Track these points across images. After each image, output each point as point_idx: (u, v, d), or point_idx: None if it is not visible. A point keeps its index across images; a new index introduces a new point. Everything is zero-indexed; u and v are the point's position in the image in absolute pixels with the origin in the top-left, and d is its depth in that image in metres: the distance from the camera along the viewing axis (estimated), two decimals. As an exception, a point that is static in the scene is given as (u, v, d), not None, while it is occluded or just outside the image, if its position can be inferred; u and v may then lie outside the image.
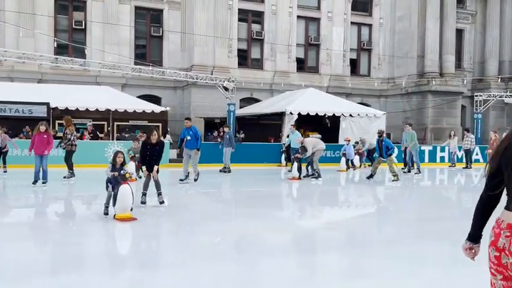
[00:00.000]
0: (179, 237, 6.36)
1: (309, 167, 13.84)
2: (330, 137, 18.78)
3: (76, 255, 5.27)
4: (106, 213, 7.09)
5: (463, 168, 18.27)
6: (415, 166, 16.01)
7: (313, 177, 13.41)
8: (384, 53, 29.51)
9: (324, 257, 5.54)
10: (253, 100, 25.89)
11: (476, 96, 26.98)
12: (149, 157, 7.97)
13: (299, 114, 18.54)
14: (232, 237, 6.43)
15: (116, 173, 6.98)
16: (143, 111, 18.88)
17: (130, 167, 10.95)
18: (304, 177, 13.45)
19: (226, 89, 20.16)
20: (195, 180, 11.63)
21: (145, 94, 23.84)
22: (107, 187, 7.12)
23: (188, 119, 12.55)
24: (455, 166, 18.77)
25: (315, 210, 9.24)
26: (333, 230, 7.14)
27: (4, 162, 13.31)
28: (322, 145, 13.82)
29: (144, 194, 8.14)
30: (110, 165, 7.14)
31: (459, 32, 29.94)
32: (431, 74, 27.18)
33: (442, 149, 20.49)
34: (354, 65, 29.34)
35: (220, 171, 14.61)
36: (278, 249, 5.82)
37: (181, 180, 11.64)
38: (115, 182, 6.99)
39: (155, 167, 7.97)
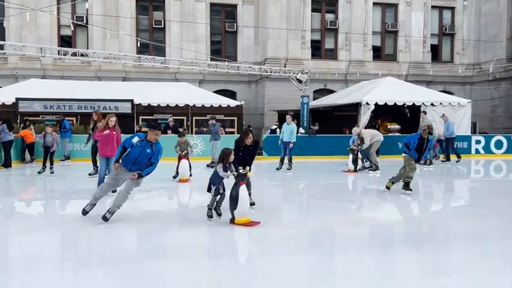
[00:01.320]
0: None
1: (365, 160, 13.19)
2: (410, 127, 17.97)
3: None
4: (211, 216, 6.51)
5: None
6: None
7: (371, 170, 12.85)
8: (468, 37, 27.62)
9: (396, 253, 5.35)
10: (327, 91, 25.51)
11: None
12: (243, 158, 7.18)
13: (376, 104, 17.92)
14: (308, 230, 6.44)
15: (235, 173, 6.36)
16: (220, 105, 19.37)
17: (183, 166, 10.66)
18: (359, 170, 12.84)
19: (299, 81, 20.05)
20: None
21: (220, 89, 24.47)
22: (209, 189, 6.53)
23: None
24: None
25: (380, 203, 8.87)
26: (401, 224, 6.86)
27: (51, 163, 12.17)
28: (380, 137, 13.28)
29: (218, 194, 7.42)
30: (221, 165, 6.47)
31: (556, 10, 27.14)
32: (523, 58, 24.98)
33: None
34: (435, 51, 27.79)
35: (208, 166, 13.59)
36: (353, 243, 5.71)
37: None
38: (218, 182, 6.49)
39: (248, 168, 7.06)
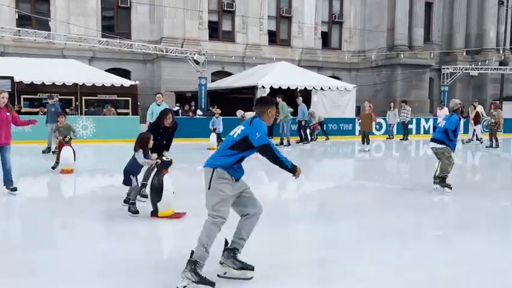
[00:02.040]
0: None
1: None
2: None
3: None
4: (136, 212, 5.77)
5: (400, 140, 18.42)
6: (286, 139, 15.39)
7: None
8: (355, 26, 29.60)
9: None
10: (225, 74, 25.69)
11: (443, 69, 27.59)
12: (161, 142, 6.52)
13: (271, 87, 18.53)
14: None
15: (159, 161, 5.67)
16: (112, 85, 18.47)
17: (65, 154, 9.10)
18: None
19: (196, 62, 19.90)
20: None
21: (113, 67, 23.28)
22: (129, 180, 5.81)
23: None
24: (392, 138, 18.74)
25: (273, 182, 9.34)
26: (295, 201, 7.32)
27: None
28: None
29: (144, 186, 6.52)
30: (141, 152, 5.78)
31: (428, 5, 30.24)
32: (401, 47, 27.52)
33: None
34: (325, 38, 29.35)
35: (43, 152, 12.47)
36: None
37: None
38: (138, 172, 5.92)
39: (167, 154, 6.52)
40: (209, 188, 3.62)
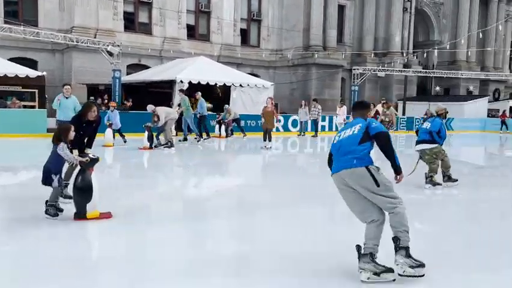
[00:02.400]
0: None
1: (160, 137, 13.31)
2: (221, 106, 18.93)
3: None
4: (56, 215, 5.23)
5: (312, 136, 19.56)
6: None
7: (166, 147, 13.12)
8: (273, 25, 30.21)
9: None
10: (142, 67, 24.87)
11: (354, 69, 29.17)
12: (83, 137, 6.02)
13: (190, 82, 18.31)
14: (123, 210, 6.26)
15: (88, 158, 5.17)
16: (16, 75, 17.08)
17: None
18: (155, 147, 12.93)
19: (110, 53, 19.03)
20: None
21: (18, 57, 21.49)
22: (49, 179, 5.19)
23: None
24: (304, 135, 19.96)
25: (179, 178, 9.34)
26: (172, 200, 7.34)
27: None
28: (175, 115, 13.87)
29: (67, 185, 6.08)
30: (64, 145, 5.17)
31: (341, 8, 31.76)
32: (315, 48, 28.63)
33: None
34: (244, 35, 29.62)
35: None
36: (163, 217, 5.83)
37: None
38: (60, 170, 5.33)
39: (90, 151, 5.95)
40: (378, 186, 3.60)
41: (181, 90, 16.06)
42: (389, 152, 3.71)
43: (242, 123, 18.18)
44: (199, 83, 18.66)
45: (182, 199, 7.27)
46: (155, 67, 23.62)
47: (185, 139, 15.60)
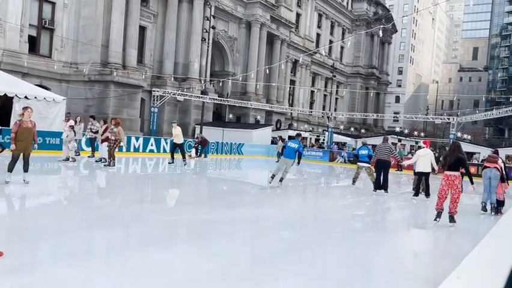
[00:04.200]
0: None
1: None
2: (1, 120, 16.47)
3: None
4: None
5: (88, 157, 17.08)
6: None
7: None
8: (68, 36, 28.11)
9: None
10: None
11: (154, 91, 29.31)
12: None
13: (-42, 90, 15.42)
14: None
15: None
16: None
17: None
18: None
19: None
20: None
21: None
22: None
23: None
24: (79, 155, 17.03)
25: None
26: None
27: None
28: None
29: None
30: None
31: (142, 29, 31.70)
32: (115, 65, 27.74)
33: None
34: (33, 43, 26.70)
35: None
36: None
37: None
38: None
39: None
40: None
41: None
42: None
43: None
44: (-29, 91, 15.90)
45: None
46: None
47: None
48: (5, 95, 17.17)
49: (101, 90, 27.55)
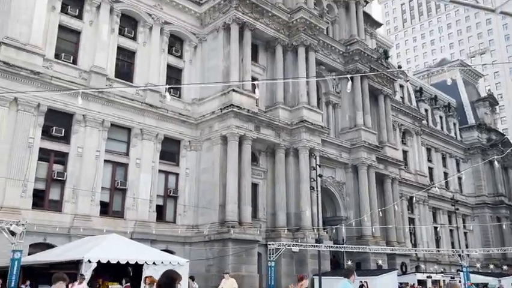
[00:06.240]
0: None
1: None
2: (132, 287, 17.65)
3: None
4: None
5: None
6: None
7: None
8: (189, 201, 30.77)
9: None
10: (47, 246, 23.19)
11: (269, 244, 29.58)
12: None
13: (99, 262, 17.20)
14: None
15: None
16: None
17: None
18: None
19: (12, 233, 17.72)
20: None
21: None
22: None
23: None
24: None
25: None
26: None
27: None
28: None
29: None
30: None
31: (254, 186, 33.62)
32: (231, 223, 29.09)
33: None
34: (160, 211, 29.61)
35: None
36: None
37: None
38: None
39: None
40: None
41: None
42: None
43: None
44: (108, 262, 17.60)
45: None
46: (61, 246, 22.15)
47: None
48: (136, 263, 18.66)
49: (220, 248, 28.59)
